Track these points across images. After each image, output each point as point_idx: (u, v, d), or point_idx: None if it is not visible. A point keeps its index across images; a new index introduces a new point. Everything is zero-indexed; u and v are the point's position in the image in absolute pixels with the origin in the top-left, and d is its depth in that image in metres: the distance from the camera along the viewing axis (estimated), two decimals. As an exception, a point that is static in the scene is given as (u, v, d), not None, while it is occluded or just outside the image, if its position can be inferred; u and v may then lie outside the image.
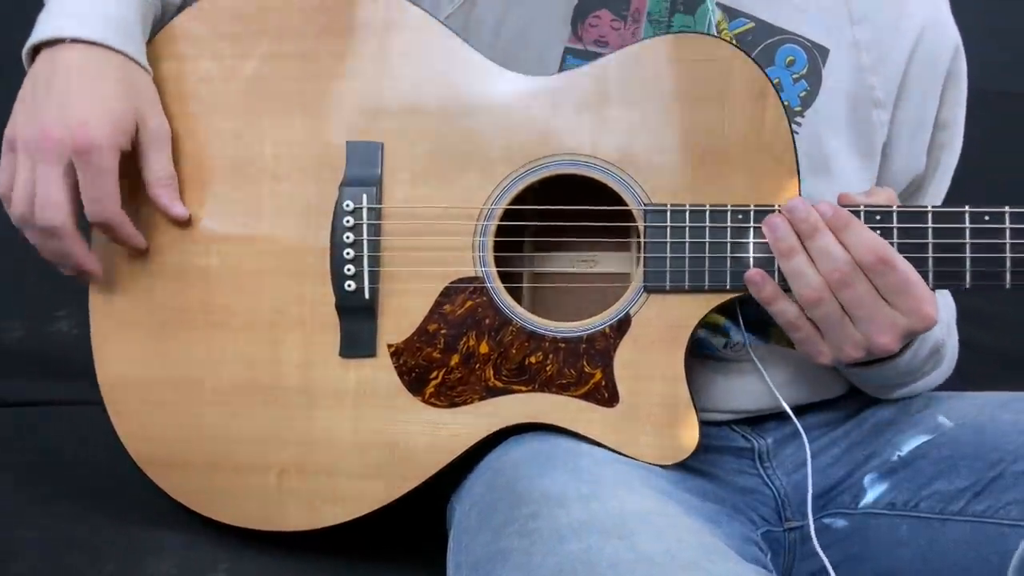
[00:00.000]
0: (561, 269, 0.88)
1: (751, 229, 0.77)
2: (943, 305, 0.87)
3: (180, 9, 0.87)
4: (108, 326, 0.86)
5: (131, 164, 0.82)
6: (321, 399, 0.83)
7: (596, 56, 0.83)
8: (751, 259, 0.77)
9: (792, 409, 0.80)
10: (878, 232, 0.74)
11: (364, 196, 0.82)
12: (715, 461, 0.84)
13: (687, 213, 0.78)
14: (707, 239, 0.78)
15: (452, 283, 0.82)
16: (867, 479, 0.83)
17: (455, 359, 0.81)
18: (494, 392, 0.81)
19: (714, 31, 0.84)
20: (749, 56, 0.78)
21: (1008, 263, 0.74)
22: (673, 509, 0.69)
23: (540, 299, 0.88)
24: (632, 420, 0.79)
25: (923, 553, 0.78)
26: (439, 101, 0.82)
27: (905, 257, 0.73)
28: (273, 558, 0.84)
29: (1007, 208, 0.75)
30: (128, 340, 0.86)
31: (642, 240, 0.79)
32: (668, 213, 0.78)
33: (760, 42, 0.85)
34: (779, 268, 0.76)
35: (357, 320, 0.82)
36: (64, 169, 0.77)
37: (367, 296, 0.82)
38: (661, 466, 0.79)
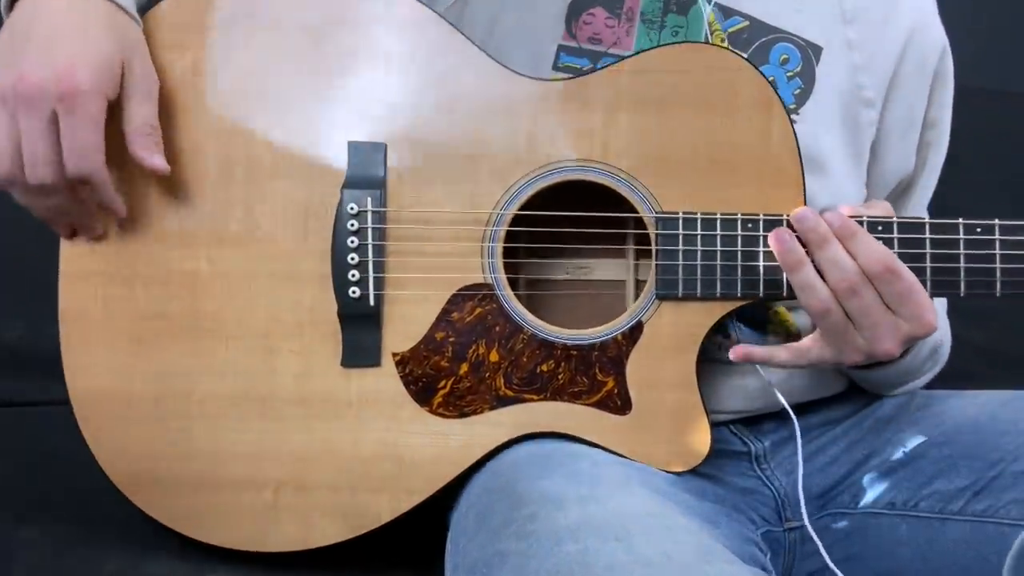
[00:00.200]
0: (557, 276, 0.87)
1: (760, 238, 0.78)
2: (938, 303, 0.89)
3: None
4: (81, 335, 0.80)
5: (111, 143, 0.75)
6: (320, 411, 0.79)
7: (590, 54, 0.83)
8: (761, 267, 0.78)
9: (791, 407, 0.81)
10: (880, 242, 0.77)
11: (368, 199, 0.79)
12: (714, 462, 0.85)
13: (699, 221, 0.79)
14: (719, 247, 0.79)
15: (460, 290, 0.80)
16: (866, 479, 0.84)
17: (464, 368, 0.79)
18: (505, 401, 0.79)
19: (707, 32, 0.85)
20: (756, 67, 0.79)
21: (998, 272, 0.78)
22: (671, 510, 0.69)
23: (532, 306, 0.87)
24: (645, 427, 0.79)
25: (923, 552, 0.80)
26: (446, 102, 0.80)
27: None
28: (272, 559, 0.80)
29: (996, 221, 0.79)
30: (105, 350, 0.80)
31: (654, 248, 0.79)
32: (680, 221, 0.79)
33: (755, 40, 0.86)
34: (787, 280, 0.77)
35: (360, 328, 0.79)
36: (49, 118, 0.70)
37: (372, 303, 0.79)
38: (671, 472, 0.79)
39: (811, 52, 0.87)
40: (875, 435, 0.87)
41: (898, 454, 0.84)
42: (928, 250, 0.78)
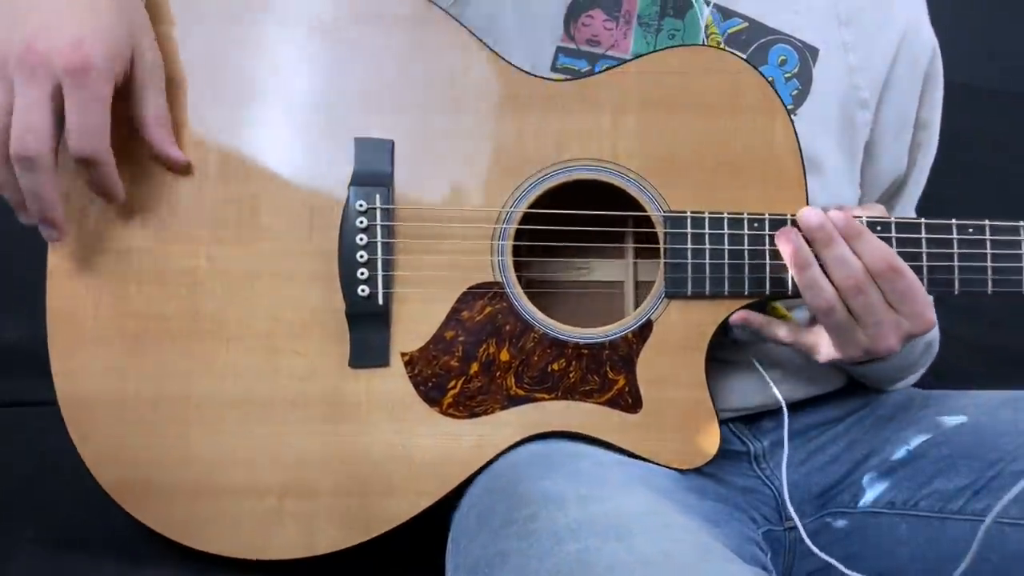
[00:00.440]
0: (557, 276, 0.87)
1: (766, 237, 0.79)
2: None
3: None
4: (71, 336, 0.76)
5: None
6: (326, 413, 0.77)
7: (588, 56, 0.83)
8: (767, 266, 0.79)
9: (790, 405, 0.82)
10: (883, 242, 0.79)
11: (377, 196, 0.77)
12: (714, 461, 0.85)
13: (707, 220, 0.80)
14: (726, 246, 0.79)
15: (470, 288, 0.79)
16: (866, 479, 0.85)
17: (475, 367, 0.78)
18: (516, 401, 0.78)
19: (703, 35, 0.86)
20: (757, 70, 0.81)
21: (989, 271, 0.81)
22: (672, 509, 0.69)
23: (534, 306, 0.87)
24: (655, 426, 0.79)
25: (923, 552, 0.80)
26: (453, 100, 0.79)
27: None
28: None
29: (987, 221, 0.82)
30: (97, 352, 0.76)
31: (663, 247, 0.79)
32: (688, 220, 0.79)
33: (753, 42, 0.88)
34: (792, 279, 0.78)
35: (369, 328, 0.77)
36: (51, 91, 0.67)
37: (381, 302, 0.77)
38: (678, 470, 0.79)
39: (808, 53, 0.88)
40: (875, 434, 0.88)
41: (901, 452, 0.84)
42: (924, 249, 0.81)
